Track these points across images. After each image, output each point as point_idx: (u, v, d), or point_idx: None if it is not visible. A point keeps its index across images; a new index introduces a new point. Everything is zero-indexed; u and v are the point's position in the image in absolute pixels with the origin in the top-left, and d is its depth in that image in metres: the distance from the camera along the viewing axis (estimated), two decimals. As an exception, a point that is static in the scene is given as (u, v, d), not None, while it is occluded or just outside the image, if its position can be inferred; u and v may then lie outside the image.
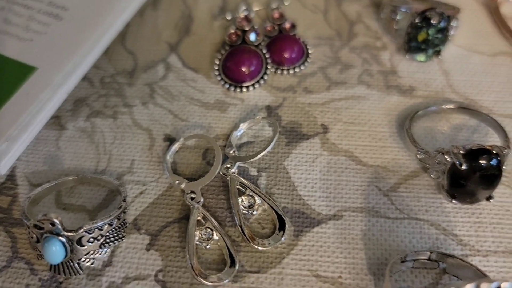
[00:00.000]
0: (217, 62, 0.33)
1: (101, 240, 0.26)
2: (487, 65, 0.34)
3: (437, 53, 0.33)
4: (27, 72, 0.31)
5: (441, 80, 0.33)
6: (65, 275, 0.26)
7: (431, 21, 0.32)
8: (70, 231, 0.25)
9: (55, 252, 0.25)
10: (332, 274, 0.26)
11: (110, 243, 0.27)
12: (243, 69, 0.32)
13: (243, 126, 0.30)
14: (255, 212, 0.28)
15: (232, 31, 0.34)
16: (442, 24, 0.32)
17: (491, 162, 0.26)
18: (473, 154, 0.26)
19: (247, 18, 0.35)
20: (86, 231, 0.25)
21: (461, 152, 0.26)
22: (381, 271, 0.26)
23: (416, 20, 0.32)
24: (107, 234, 0.26)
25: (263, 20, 0.36)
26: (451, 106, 0.31)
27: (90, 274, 0.26)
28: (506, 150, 0.27)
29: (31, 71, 0.31)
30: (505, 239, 0.27)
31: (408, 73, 0.33)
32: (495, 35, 0.35)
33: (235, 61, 0.32)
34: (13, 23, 0.34)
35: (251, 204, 0.28)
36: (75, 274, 0.26)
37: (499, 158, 0.26)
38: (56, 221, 0.24)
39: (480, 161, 0.26)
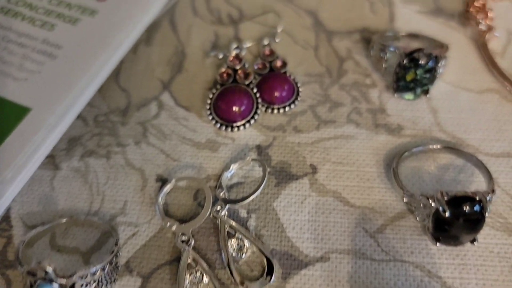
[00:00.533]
0: (209, 101, 0.34)
1: (94, 285, 0.27)
2: (475, 102, 0.34)
3: (425, 92, 0.34)
4: (22, 113, 0.32)
5: (429, 118, 0.33)
6: (58, 318, 0.26)
7: (419, 62, 0.32)
8: (63, 277, 0.26)
9: (48, 298, 0.26)
10: (318, 318, 0.26)
11: (103, 287, 0.27)
12: (234, 109, 0.33)
13: (233, 167, 0.31)
14: (244, 255, 0.28)
15: (223, 69, 0.35)
16: (430, 65, 0.33)
17: (474, 209, 0.26)
18: (456, 201, 0.27)
19: (238, 57, 0.35)
20: (79, 277, 0.26)
21: (445, 199, 0.27)
22: (367, 316, 0.26)
23: (404, 62, 0.32)
24: (100, 278, 0.27)
25: (254, 57, 0.37)
26: (438, 146, 0.32)
27: (82, 318, 0.27)
28: (489, 195, 0.28)
29: (26, 112, 0.32)
30: (488, 281, 0.27)
31: (397, 111, 0.34)
32: (483, 71, 0.36)
33: (226, 101, 0.33)
34: (8, 62, 0.34)
35: (240, 247, 0.28)
36: (68, 318, 0.26)
37: (482, 205, 0.27)
38: (49, 269, 0.25)
39: (463, 208, 0.26)
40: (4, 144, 0.31)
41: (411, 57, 0.32)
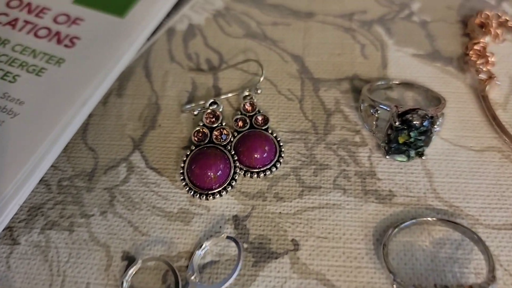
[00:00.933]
0: (182, 165, 0.31)
1: None
2: (475, 163, 0.31)
3: (420, 154, 0.31)
4: (-25, 182, 0.29)
5: (424, 183, 0.30)
6: None
7: (413, 123, 0.29)
8: None
9: None
10: None
11: None
12: (210, 174, 0.30)
13: (207, 244, 0.28)
14: None
15: (198, 128, 0.32)
16: (425, 126, 0.29)
17: (472, 306, 0.24)
18: (452, 297, 0.24)
19: (214, 114, 0.32)
20: None
21: (439, 294, 0.24)
22: None
23: (397, 123, 0.29)
24: None
25: (234, 109, 0.34)
26: (433, 219, 0.29)
27: None
28: (490, 287, 0.25)
29: (-20, 181, 0.29)
30: None
31: (388, 175, 0.31)
32: (484, 125, 0.33)
33: (201, 165, 0.30)
34: (-37, 121, 0.32)
35: None
36: None
37: (481, 301, 0.24)
38: None
39: (460, 306, 0.24)
40: (-46, 220, 0.28)
41: (404, 118, 0.29)
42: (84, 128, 0.33)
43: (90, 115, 0.34)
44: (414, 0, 0.40)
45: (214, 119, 0.32)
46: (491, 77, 0.34)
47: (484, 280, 0.25)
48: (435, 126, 0.30)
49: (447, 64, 0.36)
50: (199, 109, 0.33)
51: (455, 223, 0.28)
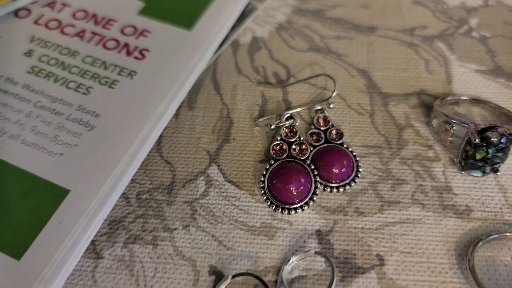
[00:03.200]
0: (262, 179, 0.31)
1: None
2: (546, 179, 0.32)
3: (495, 171, 0.31)
4: (59, 196, 0.29)
5: (499, 198, 0.31)
6: None
7: (492, 140, 0.30)
8: None
9: None
10: None
11: None
12: (292, 189, 0.30)
13: (294, 259, 0.28)
14: None
15: (277, 142, 0.32)
16: (503, 142, 0.30)
17: None
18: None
19: (292, 129, 0.32)
20: None
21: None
22: None
23: (476, 140, 0.30)
24: None
25: (307, 124, 0.34)
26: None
27: None
28: None
29: (64, 195, 0.29)
30: None
31: (464, 190, 0.31)
32: (552, 141, 0.34)
33: (283, 180, 0.30)
34: (41, 133, 0.31)
35: None
36: None
37: None
38: None
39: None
40: (41, 235, 0.28)
41: (484, 135, 0.30)
42: (158, 141, 0.34)
43: (164, 128, 0.34)
44: (472, 15, 0.40)
45: (291, 133, 0.32)
46: (556, 94, 0.35)
47: None
48: (512, 143, 0.31)
49: (510, 80, 0.37)
50: (275, 125, 0.33)
51: (535, 239, 0.29)
